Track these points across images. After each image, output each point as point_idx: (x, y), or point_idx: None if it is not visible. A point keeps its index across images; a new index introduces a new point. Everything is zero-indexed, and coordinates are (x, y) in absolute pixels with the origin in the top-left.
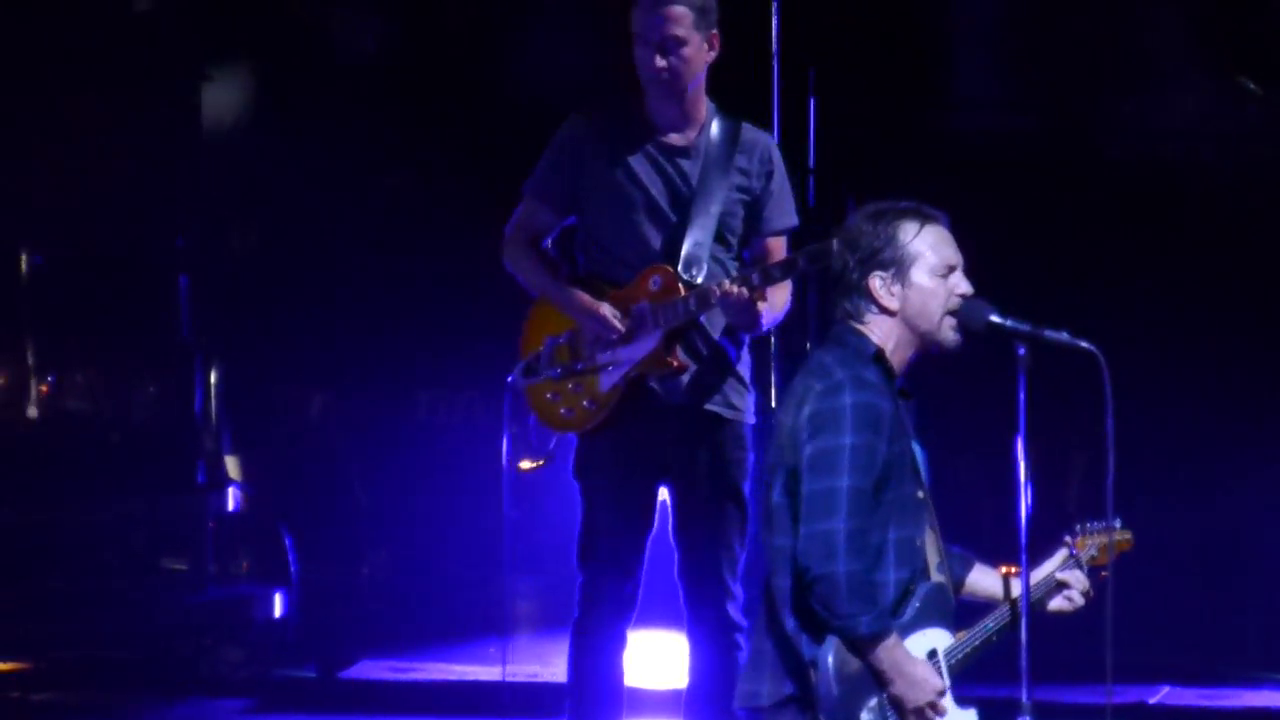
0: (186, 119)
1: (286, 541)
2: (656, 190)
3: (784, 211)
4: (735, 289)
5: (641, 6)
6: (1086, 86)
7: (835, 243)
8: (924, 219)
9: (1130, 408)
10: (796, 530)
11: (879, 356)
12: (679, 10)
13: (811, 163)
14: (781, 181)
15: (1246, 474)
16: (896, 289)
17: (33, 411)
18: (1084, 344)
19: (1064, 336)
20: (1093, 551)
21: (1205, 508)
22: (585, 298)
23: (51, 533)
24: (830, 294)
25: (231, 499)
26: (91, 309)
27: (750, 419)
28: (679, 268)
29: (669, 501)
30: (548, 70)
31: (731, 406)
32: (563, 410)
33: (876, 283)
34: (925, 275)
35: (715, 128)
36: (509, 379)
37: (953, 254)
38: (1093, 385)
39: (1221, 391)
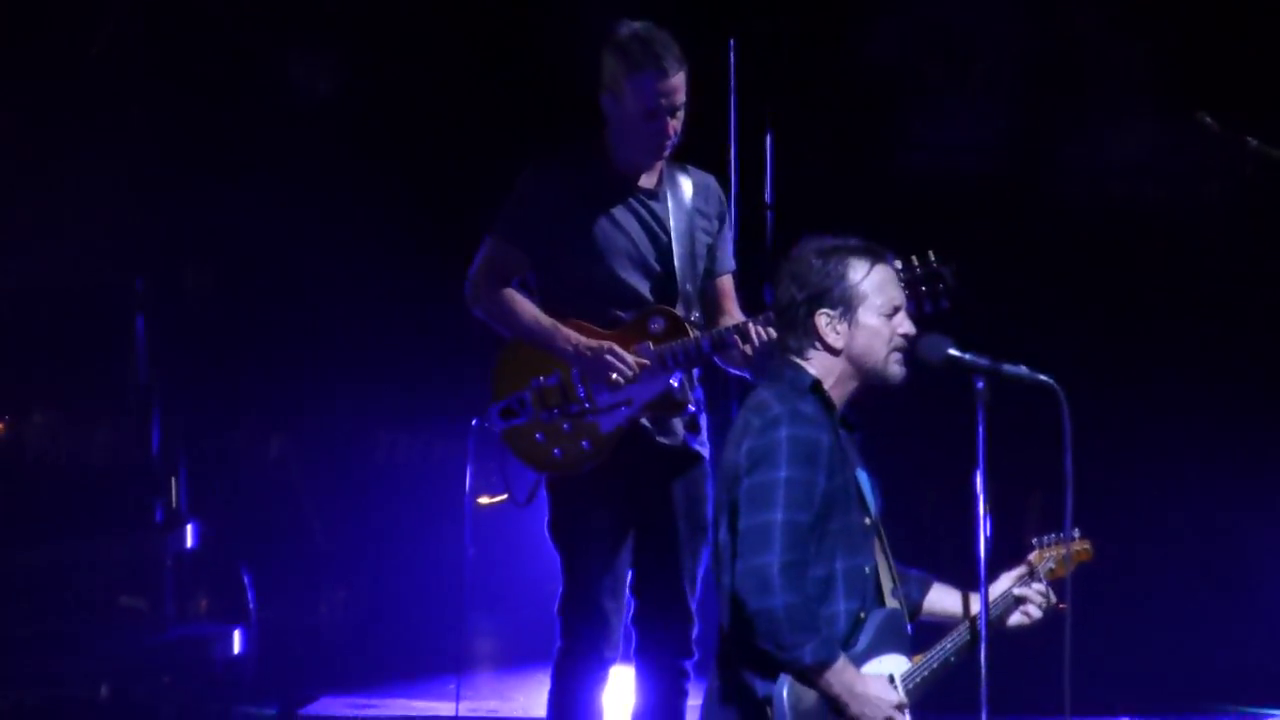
0: (143, 158)
1: (245, 580)
2: (638, 236)
3: (731, 250)
4: (765, 332)
5: (649, 75)
6: (1038, 126)
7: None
8: (874, 258)
9: (1087, 441)
10: (734, 567)
11: (816, 388)
12: (683, 74)
13: (769, 198)
14: (730, 220)
15: (1202, 506)
16: (842, 328)
17: None
18: (1042, 377)
19: (1022, 370)
20: (1051, 564)
21: (1162, 539)
22: (587, 339)
23: (8, 573)
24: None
25: (189, 538)
26: (48, 349)
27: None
28: (678, 310)
29: (637, 536)
30: (506, 109)
31: (705, 443)
32: (555, 451)
33: (823, 320)
34: (872, 315)
35: (671, 170)
36: (476, 422)
37: (898, 295)
38: (1051, 419)
39: (1178, 424)
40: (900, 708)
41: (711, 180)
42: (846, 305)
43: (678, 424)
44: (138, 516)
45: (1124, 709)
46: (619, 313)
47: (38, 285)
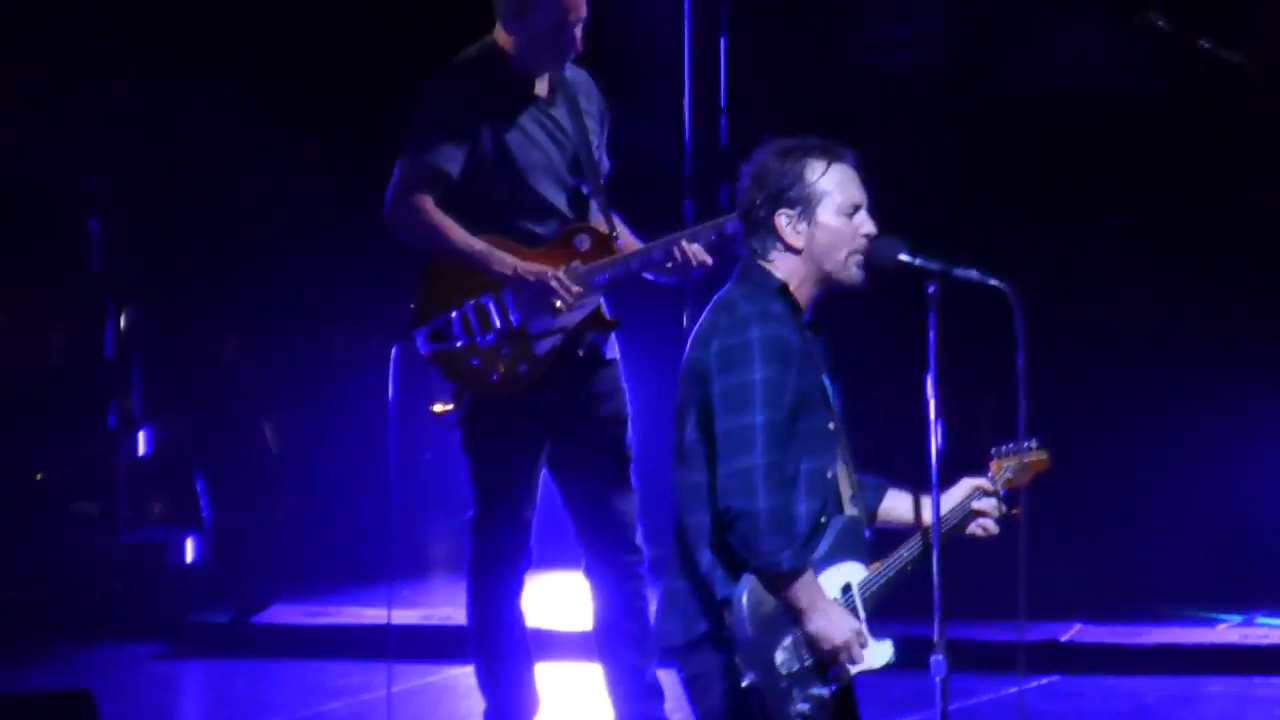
0: (96, 56)
1: (199, 485)
2: (548, 148)
3: (607, 151)
4: (699, 251)
5: None
6: (993, 24)
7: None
8: (832, 157)
9: (1041, 345)
10: (712, 468)
11: (783, 290)
12: None
13: (723, 101)
14: (609, 119)
15: (1155, 412)
16: (802, 227)
17: None
18: (994, 281)
19: (973, 274)
20: (1008, 475)
21: (1115, 446)
22: (526, 263)
23: None
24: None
25: (143, 443)
26: (2, 251)
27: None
28: (597, 222)
29: (555, 449)
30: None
31: (615, 348)
32: (493, 375)
33: (782, 220)
34: (831, 214)
35: (556, 74)
36: (396, 349)
37: (858, 193)
38: (1005, 323)
39: (1132, 329)
40: (858, 632)
41: (587, 76)
42: (805, 204)
43: (595, 336)
44: (91, 420)
45: (1077, 615)
46: (537, 229)
47: None
